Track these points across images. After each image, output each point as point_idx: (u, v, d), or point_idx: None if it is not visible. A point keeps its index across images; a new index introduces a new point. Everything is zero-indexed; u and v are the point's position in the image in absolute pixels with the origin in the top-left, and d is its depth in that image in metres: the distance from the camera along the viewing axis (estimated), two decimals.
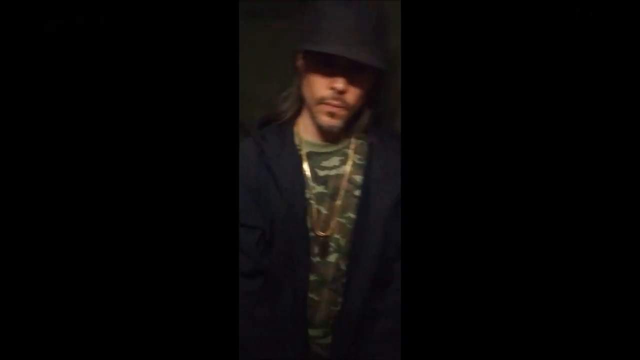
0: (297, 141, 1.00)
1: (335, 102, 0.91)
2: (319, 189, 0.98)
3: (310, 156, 0.99)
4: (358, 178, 0.98)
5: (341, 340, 0.98)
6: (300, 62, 0.95)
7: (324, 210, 0.97)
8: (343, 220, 0.97)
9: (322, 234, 0.97)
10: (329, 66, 0.89)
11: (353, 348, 0.97)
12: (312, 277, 0.97)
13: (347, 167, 0.99)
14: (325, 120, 0.94)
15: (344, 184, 0.98)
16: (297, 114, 1.01)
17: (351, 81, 0.90)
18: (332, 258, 0.97)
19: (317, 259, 0.97)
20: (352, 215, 0.97)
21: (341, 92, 0.90)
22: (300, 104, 1.00)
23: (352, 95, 0.92)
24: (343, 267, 0.97)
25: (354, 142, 1.00)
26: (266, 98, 1.30)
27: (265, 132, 1.00)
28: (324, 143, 1.00)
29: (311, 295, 0.97)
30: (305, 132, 1.01)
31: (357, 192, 0.97)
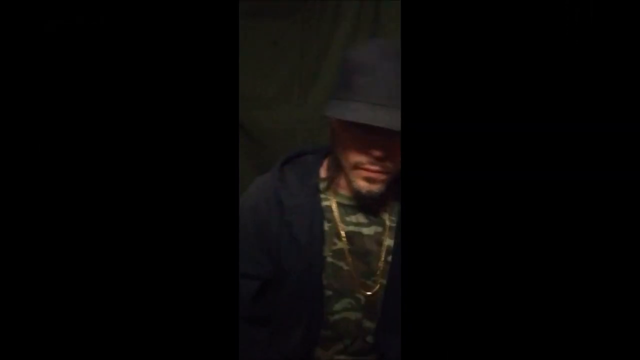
0: (322, 187, 0.92)
1: (374, 167, 0.83)
2: (340, 244, 0.90)
3: (336, 208, 0.91)
4: (388, 240, 0.91)
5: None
6: (334, 124, 0.87)
7: (345, 267, 0.90)
8: (370, 283, 0.91)
9: (368, 293, 0.90)
10: (365, 131, 0.79)
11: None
12: (325, 333, 0.92)
13: (376, 228, 0.92)
14: (363, 185, 0.85)
15: (373, 245, 0.92)
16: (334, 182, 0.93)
17: (391, 146, 0.80)
18: (353, 316, 0.91)
19: (336, 316, 0.92)
20: (381, 279, 0.91)
21: (380, 159, 0.82)
22: (339, 168, 0.90)
23: (393, 161, 0.83)
24: (367, 325, 0.91)
25: (388, 205, 0.92)
26: (266, 98, 1.31)
27: (286, 171, 0.92)
28: (354, 196, 0.91)
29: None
30: (338, 186, 0.92)
31: (388, 256, 0.91)
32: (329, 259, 0.90)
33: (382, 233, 0.91)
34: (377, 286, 0.90)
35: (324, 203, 0.91)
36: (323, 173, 0.92)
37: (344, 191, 0.91)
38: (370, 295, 0.90)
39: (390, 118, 0.75)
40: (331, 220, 0.91)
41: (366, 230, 0.91)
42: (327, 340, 0.92)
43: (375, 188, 0.84)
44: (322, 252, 0.89)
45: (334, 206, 0.91)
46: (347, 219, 0.91)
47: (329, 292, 0.90)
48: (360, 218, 0.91)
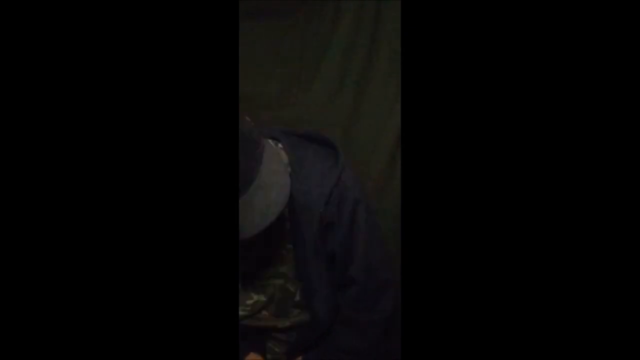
0: None
1: None
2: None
3: None
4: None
5: (304, 339, 1.04)
6: None
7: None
8: (284, 252, 1.00)
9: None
10: None
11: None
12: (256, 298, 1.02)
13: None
14: None
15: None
16: None
17: None
18: (276, 282, 1.01)
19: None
20: (289, 245, 0.99)
21: None
22: None
23: None
24: (291, 289, 1.01)
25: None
26: (266, 98, 1.30)
27: None
28: None
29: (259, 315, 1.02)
30: None
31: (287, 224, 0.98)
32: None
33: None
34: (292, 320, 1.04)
35: None
36: None
37: None
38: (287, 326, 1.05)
39: None
40: None
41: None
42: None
43: None
44: None
45: None
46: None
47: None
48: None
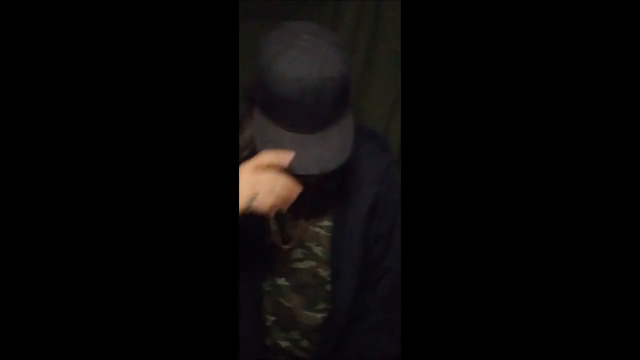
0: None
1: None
2: (279, 281, 0.95)
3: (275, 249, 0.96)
4: (323, 272, 0.94)
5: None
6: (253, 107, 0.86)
7: (286, 303, 0.95)
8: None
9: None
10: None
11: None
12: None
13: (311, 262, 0.95)
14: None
15: (309, 278, 0.96)
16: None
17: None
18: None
19: (285, 342, 0.96)
20: (324, 305, 0.95)
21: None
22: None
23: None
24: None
25: (316, 232, 0.95)
26: None
27: None
28: None
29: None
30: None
31: (327, 285, 0.94)
32: (268, 288, 0.95)
33: (317, 266, 0.94)
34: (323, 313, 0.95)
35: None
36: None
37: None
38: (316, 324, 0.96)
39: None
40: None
41: (301, 265, 0.95)
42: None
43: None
44: (262, 286, 0.93)
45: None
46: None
47: (270, 320, 0.96)
48: (296, 254, 0.95)
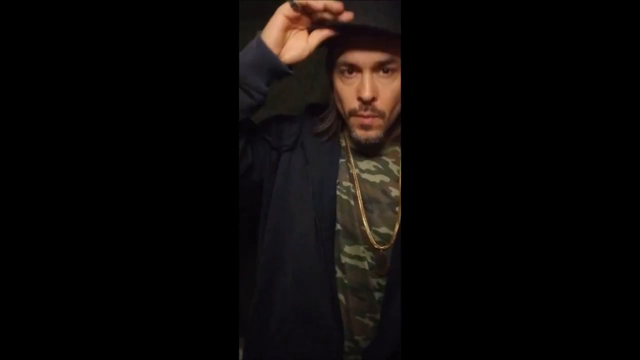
0: (342, 142, 0.96)
1: (367, 113, 0.86)
2: (349, 185, 0.93)
3: (347, 150, 0.94)
4: (395, 191, 0.92)
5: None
6: (330, 73, 0.90)
7: (352, 211, 0.92)
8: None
9: (381, 248, 0.91)
10: (353, 69, 0.85)
11: None
12: (338, 275, 0.92)
13: (383, 177, 0.93)
14: (361, 133, 0.88)
15: (378, 193, 0.93)
16: (339, 130, 0.97)
17: (379, 86, 0.85)
18: (363, 265, 0.91)
19: (346, 259, 0.92)
20: (387, 230, 0.92)
21: (369, 102, 0.85)
22: (340, 120, 0.95)
23: (384, 101, 0.86)
24: (376, 282, 0.91)
25: (396, 151, 0.94)
26: (266, 98, 1.30)
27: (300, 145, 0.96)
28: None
29: (340, 295, 0.91)
30: (348, 141, 0.96)
31: (397, 207, 0.91)
32: (338, 193, 0.92)
33: (389, 183, 0.92)
34: (387, 244, 0.90)
35: (342, 143, 0.95)
36: (325, 125, 0.96)
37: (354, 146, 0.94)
38: (381, 250, 0.91)
39: (374, 19, 0.79)
40: (345, 157, 0.94)
41: (372, 178, 0.93)
42: (343, 287, 0.91)
43: (373, 134, 0.88)
44: (335, 181, 0.91)
45: (348, 148, 0.95)
46: (357, 162, 0.94)
47: (338, 227, 0.91)
48: (368, 165, 0.93)
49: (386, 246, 0.90)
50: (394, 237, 0.90)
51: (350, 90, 0.86)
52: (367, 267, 0.91)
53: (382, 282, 0.90)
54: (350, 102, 0.86)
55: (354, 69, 0.85)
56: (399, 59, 0.84)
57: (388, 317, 0.88)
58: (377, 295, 0.90)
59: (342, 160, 0.94)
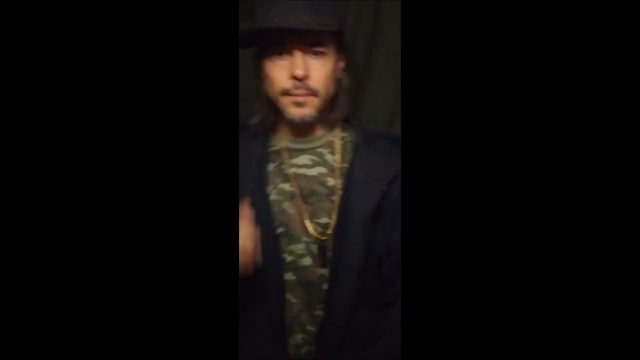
0: (272, 141, 0.96)
1: (300, 91, 0.87)
2: (284, 186, 0.93)
3: (281, 152, 0.95)
4: (331, 181, 0.93)
5: (325, 350, 0.92)
6: (258, 60, 0.91)
7: (289, 210, 0.93)
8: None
9: (322, 238, 0.92)
10: (283, 52, 0.86)
11: None
12: (287, 276, 0.93)
13: (320, 169, 0.94)
14: (294, 111, 0.89)
15: (316, 186, 0.94)
16: (274, 121, 0.96)
17: (311, 65, 0.87)
18: (306, 261, 0.93)
19: (291, 257, 0.93)
20: (327, 220, 0.93)
21: (302, 79, 0.86)
22: (273, 115, 0.94)
23: (317, 80, 0.87)
24: (320, 274, 0.93)
25: (331, 140, 0.96)
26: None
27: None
28: (299, 139, 0.95)
29: (288, 295, 0.93)
30: (283, 131, 0.96)
31: (333, 197, 0.93)
32: (273, 197, 0.93)
33: (326, 174, 0.94)
34: (328, 235, 0.92)
35: (271, 149, 0.96)
36: (256, 119, 0.96)
37: (288, 136, 0.95)
38: (322, 240, 0.92)
39: (307, 20, 0.82)
40: (276, 161, 0.95)
41: (309, 172, 0.94)
42: (293, 285, 0.92)
43: (307, 112, 0.88)
44: (266, 191, 0.92)
45: (281, 150, 0.95)
46: (293, 160, 0.94)
47: (281, 229, 0.92)
48: (304, 160, 0.95)
49: (326, 237, 0.92)
50: (332, 225, 0.92)
51: (282, 70, 0.87)
52: (310, 263, 0.93)
53: (325, 272, 0.92)
54: (283, 81, 0.87)
55: (284, 51, 0.86)
56: (330, 48, 0.88)
57: (332, 301, 0.91)
58: (325, 286, 0.92)
59: (273, 164, 0.95)
